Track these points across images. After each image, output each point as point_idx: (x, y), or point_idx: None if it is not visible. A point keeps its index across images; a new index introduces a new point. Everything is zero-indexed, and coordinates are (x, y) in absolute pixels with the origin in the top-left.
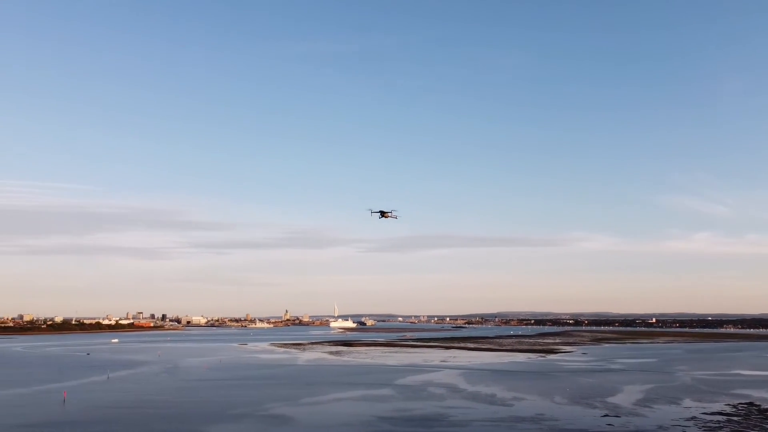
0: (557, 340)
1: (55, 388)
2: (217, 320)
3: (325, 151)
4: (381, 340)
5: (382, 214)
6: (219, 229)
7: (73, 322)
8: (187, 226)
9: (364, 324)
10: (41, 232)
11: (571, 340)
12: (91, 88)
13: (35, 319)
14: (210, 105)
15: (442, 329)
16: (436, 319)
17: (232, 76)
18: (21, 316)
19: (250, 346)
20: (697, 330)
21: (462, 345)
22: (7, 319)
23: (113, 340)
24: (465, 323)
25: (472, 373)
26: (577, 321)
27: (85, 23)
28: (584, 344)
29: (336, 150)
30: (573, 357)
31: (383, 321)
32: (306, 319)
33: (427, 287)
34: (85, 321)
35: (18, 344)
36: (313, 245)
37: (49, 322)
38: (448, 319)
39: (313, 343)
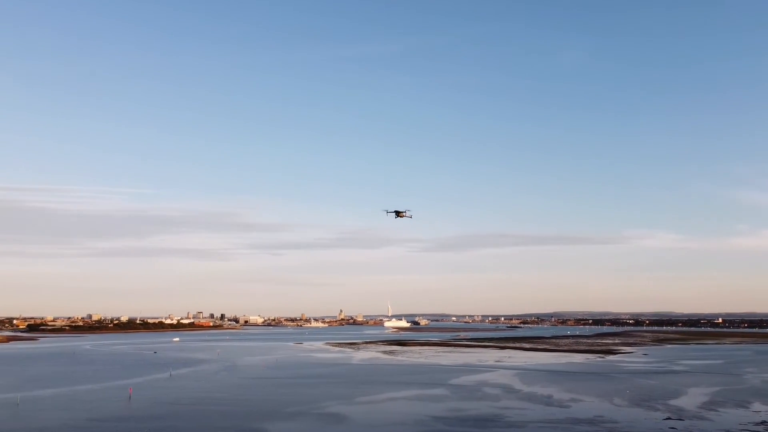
0: (616, 341)
1: (121, 385)
2: (274, 320)
3: (375, 151)
4: (435, 339)
5: (397, 213)
6: (275, 230)
7: (138, 322)
8: (244, 228)
9: (418, 323)
10: (107, 234)
11: (631, 340)
12: (150, 92)
13: (103, 318)
14: (266, 108)
15: (496, 329)
16: (490, 318)
17: (287, 79)
18: (90, 316)
19: (306, 345)
20: (767, 330)
21: (517, 345)
22: (78, 318)
23: (175, 339)
24: (520, 323)
25: (527, 373)
26: (638, 321)
27: (149, 25)
28: (645, 345)
29: (385, 150)
30: (633, 358)
31: (437, 320)
32: (360, 319)
33: (480, 287)
34: (149, 320)
35: (87, 342)
36: (365, 245)
37: (115, 322)
38: (502, 318)
39: (367, 343)
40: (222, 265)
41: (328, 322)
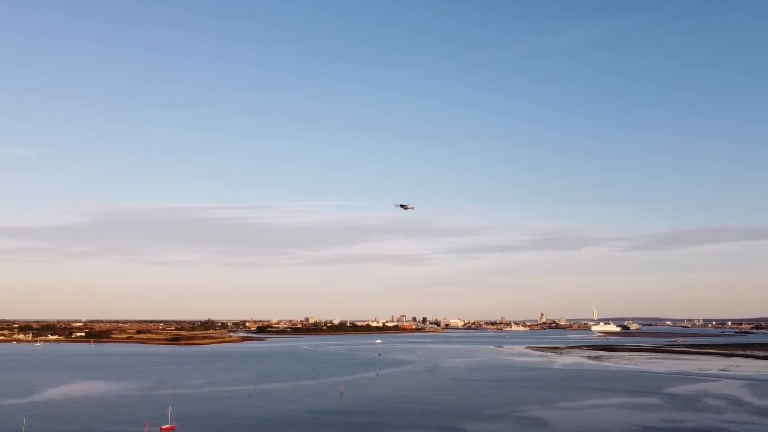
0: None
1: (333, 382)
2: (474, 323)
3: (568, 151)
4: (647, 345)
5: (403, 207)
6: (471, 234)
7: (347, 324)
8: (442, 233)
9: (628, 328)
10: (318, 244)
11: None
12: (350, 117)
13: (318, 321)
14: (459, 118)
15: (722, 334)
16: (714, 323)
17: (472, 89)
18: (307, 319)
19: (506, 348)
20: None
21: (747, 352)
22: (297, 321)
23: (377, 341)
24: (752, 328)
25: (760, 384)
26: None
27: (338, 55)
28: None
29: (578, 150)
30: None
31: (649, 325)
32: (563, 323)
33: (699, 287)
34: (357, 323)
35: (305, 343)
36: (563, 246)
37: (328, 324)
38: (729, 323)
39: (570, 347)
40: (422, 270)
41: (528, 326)
